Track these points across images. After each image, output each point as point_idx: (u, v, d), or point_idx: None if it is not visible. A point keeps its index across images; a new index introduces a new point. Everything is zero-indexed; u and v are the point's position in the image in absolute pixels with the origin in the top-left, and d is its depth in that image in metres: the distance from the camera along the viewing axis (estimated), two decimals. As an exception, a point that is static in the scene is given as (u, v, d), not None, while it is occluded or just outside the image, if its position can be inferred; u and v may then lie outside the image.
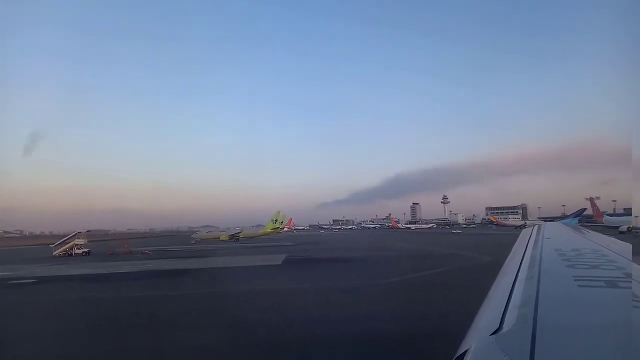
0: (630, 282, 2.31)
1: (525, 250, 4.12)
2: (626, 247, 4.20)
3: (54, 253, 52.19)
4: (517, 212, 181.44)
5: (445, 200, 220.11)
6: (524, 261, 3.40)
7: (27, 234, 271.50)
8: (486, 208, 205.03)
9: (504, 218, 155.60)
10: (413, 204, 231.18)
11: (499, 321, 1.72)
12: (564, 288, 2.35)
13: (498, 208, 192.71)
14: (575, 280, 2.39)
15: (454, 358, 1.55)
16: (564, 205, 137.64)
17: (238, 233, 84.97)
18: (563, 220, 15.34)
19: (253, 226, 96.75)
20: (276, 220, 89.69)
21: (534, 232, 5.81)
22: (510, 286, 2.43)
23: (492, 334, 1.60)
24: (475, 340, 1.64)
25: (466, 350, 1.53)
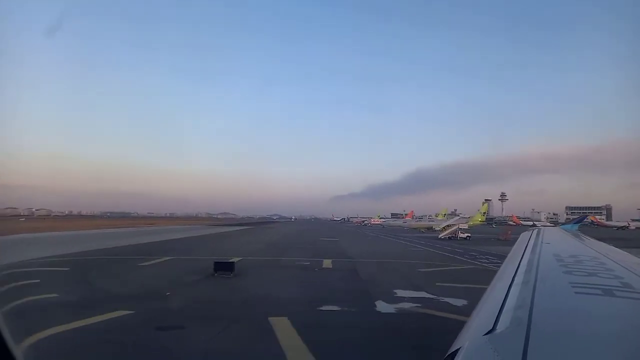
0: (628, 292, 2.32)
1: (524, 254, 4.07)
2: (625, 257, 4.16)
3: (440, 236, 56.58)
4: (601, 212, 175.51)
5: (503, 198, 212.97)
6: (521, 265, 3.37)
7: (54, 213, 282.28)
8: (566, 207, 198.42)
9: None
10: (485, 200, 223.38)
11: (493, 322, 1.73)
12: (560, 294, 2.36)
13: (580, 208, 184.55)
14: (572, 287, 2.39)
15: (446, 355, 1.55)
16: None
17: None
18: (563, 226, 15.61)
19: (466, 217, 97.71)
20: (484, 213, 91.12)
21: (533, 236, 5.69)
22: (506, 289, 2.42)
23: (486, 334, 1.62)
24: (468, 339, 1.66)
25: (458, 349, 1.55)
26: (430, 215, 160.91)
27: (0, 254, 25.90)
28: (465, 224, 63.41)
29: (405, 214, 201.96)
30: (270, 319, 10.97)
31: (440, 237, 56.87)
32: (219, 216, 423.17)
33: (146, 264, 22.58)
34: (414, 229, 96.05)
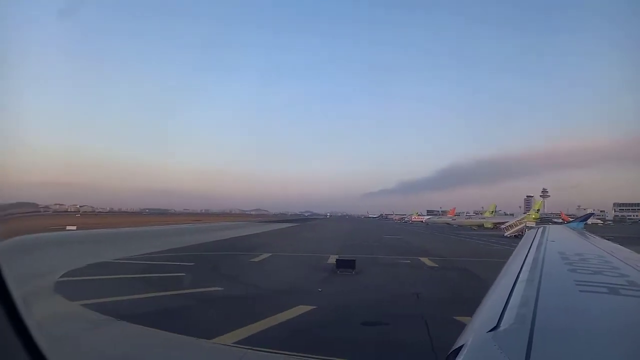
0: (633, 290, 2.29)
1: (529, 252, 4.05)
2: (631, 255, 4.11)
3: (506, 234, 55.62)
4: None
5: (545, 194, 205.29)
6: (526, 263, 3.35)
7: (97, 210, 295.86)
8: (614, 204, 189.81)
9: (636, 215, 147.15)
10: (527, 196, 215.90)
11: (497, 319, 1.73)
12: (564, 292, 2.34)
13: (629, 205, 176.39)
14: (576, 284, 2.39)
15: (450, 352, 1.56)
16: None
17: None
18: (568, 224, 14.54)
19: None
20: (538, 210, 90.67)
21: (538, 234, 5.68)
22: (511, 287, 2.41)
23: (490, 331, 1.62)
24: (472, 336, 1.65)
25: (462, 345, 1.55)
26: (469, 213, 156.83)
27: (116, 248, 27.50)
28: (532, 222, 61.54)
29: (443, 211, 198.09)
30: (455, 318, 10.93)
31: (506, 235, 55.03)
32: (252, 212, 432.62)
33: (256, 260, 23.28)
34: (464, 226, 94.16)
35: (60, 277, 15.31)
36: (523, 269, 3.05)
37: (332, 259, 24.16)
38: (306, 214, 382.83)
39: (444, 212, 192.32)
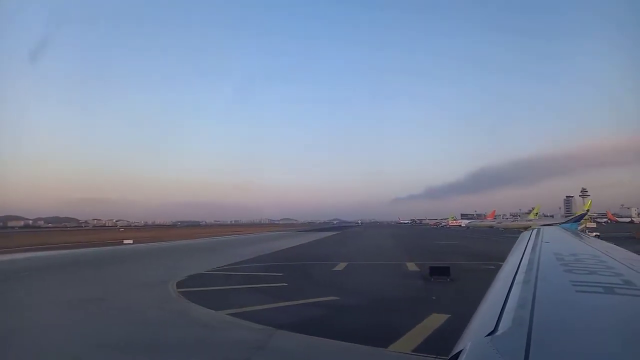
0: (628, 289, 2.28)
1: (524, 253, 4.02)
2: (625, 254, 4.10)
3: None
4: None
5: (584, 194, 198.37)
6: (521, 264, 3.33)
7: (130, 224, 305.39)
8: None
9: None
10: (567, 196, 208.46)
11: (495, 323, 1.71)
12: (561, 293, 2.33)
13: None
14: (572, 285, 2.39)
15: (449, 357, 1.54)
16: None
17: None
18: (563, 225, 13.89)
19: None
20: (588, 210, 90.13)
21: (533, 236, 5.67)
22: (508, 289, 2.40)
23: (488, 335, 1.60)
24: (471, 340, 1.62)
25: (461, 350, 1.52)
26: (506, 216, 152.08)
27: (199, 260, 28.41)
28: (593, 223, 59.28)
29: (478, 214, 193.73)
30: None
31: None
32: (280, 222, 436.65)
33: (339, 269, 23.46)
34: (509, 229, 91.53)
35: (177, 288, 15.96)
36: (519, 271, 3.08)
37: (411, 266, 24.02)
38: (334, 222, 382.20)
39: (479, 215, 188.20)
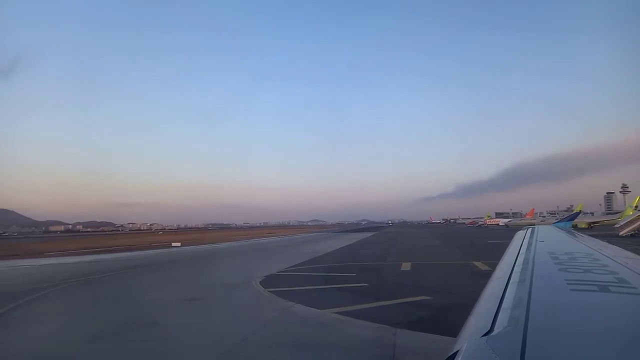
0: (623, 287, 2.30)
1: (519, 253, 4.05)
2: (619, 252, 4.10)
3: (621, 233, 52.74)
4: None
5: (625, 190, 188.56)
6: (516, 264, 3.33)
7: (164, 227, 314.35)
8: None
9: None
10: (607, 193, 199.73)
11: (491, 323, 1.72)
12: (556, 291, 2.34)
13: None
14: (567, 284, 2.39)
15: (445, 359, 1.53)
16: None
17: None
18: (556, 224, 13.84)
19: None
20: (637, 207, 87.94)
21: (528, 235, 5.68)
22: (503, 289, 2.41)
23: (484, 335, 1.60)
24: (467, 341, 1.62)
25: (457, 351, 1.51)
26: (543, 214, 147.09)
27: (263, 261, 29.00)
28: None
29: (513, 213, 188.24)
30: None
31: (621, 235, 50.82)
32: (309, 223, 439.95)
33: (406, 269, 23.29)
34: None
35: (264, 288, 16.30)
36: (514, 270, 3.10)
37: (481, 265, 23.65)
38: (363, 223, 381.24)
39: (515, 214, 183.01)
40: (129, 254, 39.40)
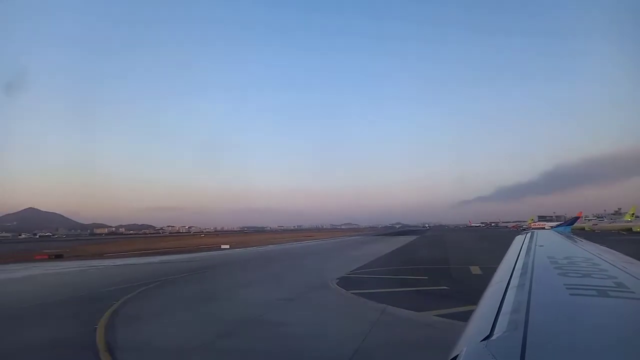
0: (622, 291, 2.32)
1: (518, 257, 4.10)
2: (618, 257, 4.14)
3: None
4: None
5: None
6: (516, 268, 3.37)
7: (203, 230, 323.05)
8: None
9: None
10: None
11: (490, 327, 1.72)
12: (555, 296, 2.37)
13: None
14: (567, 288, 2.41)
15: None
16: None
17: None
18: (556, 228, 13.96)
19: None
20: (633, 214, 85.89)
21: (527, 240, 5.78)
22: (502, 293, 2.43)
23: (483, 339, 1.60)
24: (466, 345, 1.62)
25: (456, 356, 1.51)
26: (588, 217, 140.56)
27: (329, 263, 29.53)
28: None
29: (557, 216, 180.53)
30: None
31: None
32: (342, 227, 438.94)
33: (478, 272, 22.87)
34: (607, 231, 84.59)
35: (346, 290, 16.62)
36: (513, 274, 3.11)
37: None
38: (397, 226, 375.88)
39: (558, 217, 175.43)
40: (188, 255, 41.06)
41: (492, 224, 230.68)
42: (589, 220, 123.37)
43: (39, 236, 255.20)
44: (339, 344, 9.14)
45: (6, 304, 14.68)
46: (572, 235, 8.61)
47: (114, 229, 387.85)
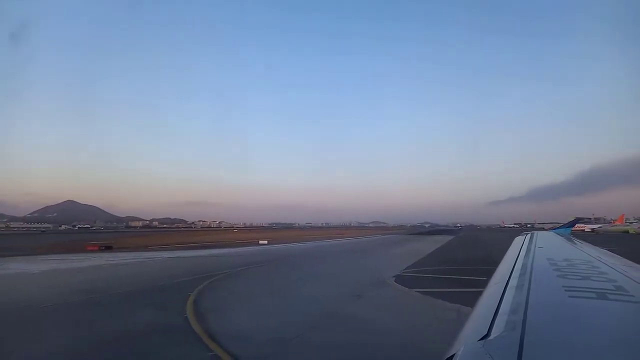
0: (621, 294, 2.31)
1: (517, 258, 4.11)
2: (618, 260, 4.13)
3: None
4: None
5: None
6: (515, 269, 3.36)
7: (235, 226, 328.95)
8: None
9: None
10: None
11: (488, 327, 1.73)
12: (554, 298, 2.36)
13: None
14: (565, 290, 2.40)
15: None
16: None
17: None
18: (555, 230, 13.05)
19: None
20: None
21: (526, 241, 5.85)
22: (501, 294, 2.42)
23: (480, 339, 1.61)
24: (463, 344, 1.62)
25: (453, 355, 1.52)
26: (629, 220, 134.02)
27: (381, 261, 29.74)
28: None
29: (595, 218, 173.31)
30: None
31: None
32: (370, 225, 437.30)
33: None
34: None
35: (408, 288, 16.70)
36: (512, 275, 3.07)
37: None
38: (426, 226, 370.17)
39: (597, 219, 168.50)
40: (233, 249, 42.10)
41: (528, 225, 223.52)
42: (630, 223, 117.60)
43: (78, 228, 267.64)
44: (440, 342, 9.28)
45: (99, 290, 15.52)
46: (572, 237, 8.57)
47: (147, 222, 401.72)
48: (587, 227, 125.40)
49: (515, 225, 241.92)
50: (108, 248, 52.77)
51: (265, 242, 60.58)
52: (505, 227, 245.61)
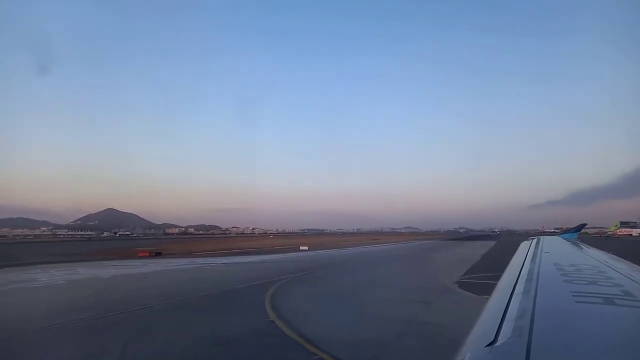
0: (629, 300, 2.31)
1: (524, 263, 4.08)
2: (625, 265, 4.06)
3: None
4: None
5: None
6: (521, 275, 3.38)
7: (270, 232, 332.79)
8: None
9: None
10: None
11: (495, 333, 1.73)
12: (560, 303, 2.35)
13: None
14: (572, 295, 2.41)
15: None
16: None
17: None
18: (562, 235, 12.44)
19: None
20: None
21: (533, 246, 6.03)
22: (507, 299, 2.42)
23: (487, 345, 1.60)
24: (470, 351, 1.63)
25: None
26: None
27: (441, 269, 29.60)
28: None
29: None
30: None
31: None
32: (402, 231, 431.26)
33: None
34: None
35: (483, 296, 16.47)
36: (519, 281, 3.08)
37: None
38: (461, 231, 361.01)
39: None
40: (280, 255, 42.80)
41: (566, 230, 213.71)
42: None
43: (119, 235, 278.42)
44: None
45: (175, 295, 16.12)
46: (578, 242, 8.49)
47: (184, 229, 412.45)
48: (634, 232, 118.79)
49: (557, 230, 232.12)
50: (158, 254, 54.85)
51: (306, 248, 61.09)
52: (545, 231, 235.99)
